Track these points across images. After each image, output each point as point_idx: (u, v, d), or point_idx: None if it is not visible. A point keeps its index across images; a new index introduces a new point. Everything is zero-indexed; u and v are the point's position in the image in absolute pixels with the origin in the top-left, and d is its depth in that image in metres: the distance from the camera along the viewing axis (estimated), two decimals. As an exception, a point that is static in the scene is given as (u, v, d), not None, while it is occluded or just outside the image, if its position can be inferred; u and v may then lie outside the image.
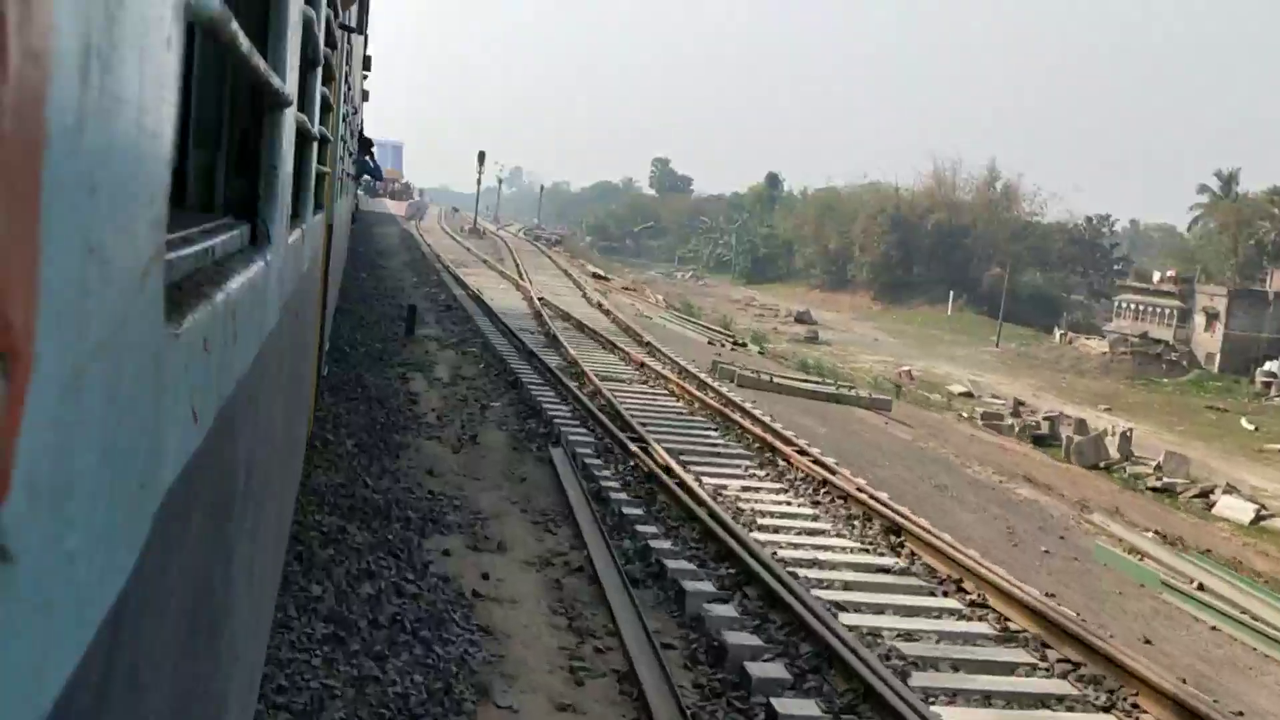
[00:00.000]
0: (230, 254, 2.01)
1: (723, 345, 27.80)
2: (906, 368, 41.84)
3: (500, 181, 64.10)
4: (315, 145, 4.29)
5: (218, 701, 1.98)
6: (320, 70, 4.32)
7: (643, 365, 18.07)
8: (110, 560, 0.91)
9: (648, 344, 21.33)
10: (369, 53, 18.29)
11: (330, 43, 5.22)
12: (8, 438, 0.61)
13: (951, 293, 66.28)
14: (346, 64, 8.75)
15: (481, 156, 60.71)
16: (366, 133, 27.22)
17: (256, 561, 2.72)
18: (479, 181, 63.12)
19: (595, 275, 40.92)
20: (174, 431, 1.22)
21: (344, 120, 9.94)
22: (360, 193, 45.92)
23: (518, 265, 39.61)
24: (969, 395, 38.37)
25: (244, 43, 1.68)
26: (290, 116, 2.72)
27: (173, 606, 1.30)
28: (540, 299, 26.24)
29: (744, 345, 28.77)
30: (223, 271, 1.75)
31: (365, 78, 18.54)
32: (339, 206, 10.63)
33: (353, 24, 9.47)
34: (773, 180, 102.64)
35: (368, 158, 28.26)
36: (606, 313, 27.33)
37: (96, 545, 0.85)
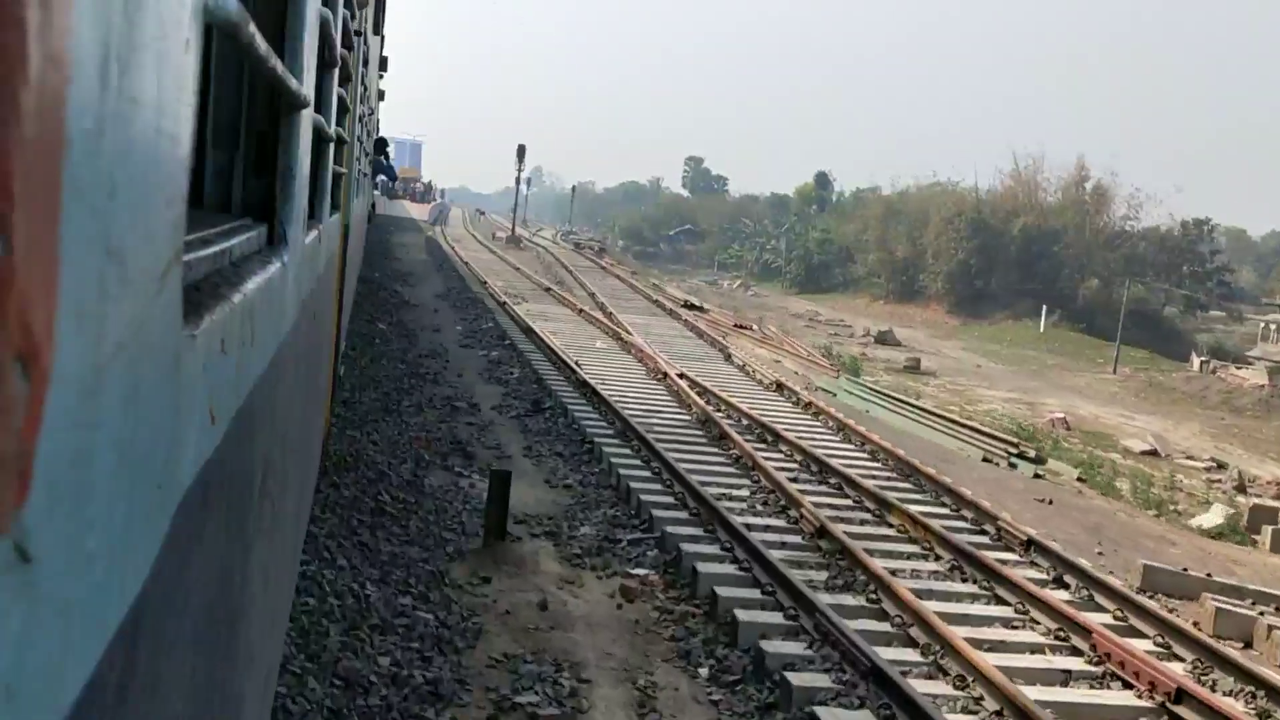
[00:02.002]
0: (248, 255, 2.02)
1: (999, 461, 15.34)
2: (1059, 414, 30.49)
3: (527, 183, 59.24)
4: (332, 146, 4.31)
5: (235, 702, 1.98)
6: (337, 72, 4.33)
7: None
8: (129, 561, 0.91)
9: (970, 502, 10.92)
10: (385, 54, 18.35)
11: (347, 44, 5.23)
12: (28, 439, 0.61)
13: (1045, 307, 58.01)
14: (363, 65, 8.77)
15: (521, 152, 53.08)
16: (383, 133, 27.08)
17: (273, 562, 2.73)
18: (519, 181, 56.05)
19: (688, 306, 30.87)
20: (192, 432, 1.23)
21: (360, 121, 9.97)
22: (376, 193, 43.36)
23: (592, 296, 29.18)
24: (1153, 453, 27.12)
25: (261, 45, 1.68)
26: (307, 118, 2.73)
27: (191, 607, 1.31)
28: (682, 375, 16.29)
29: (1038, 461, 15.42)
30: (240, 273, 1.76)
31: (381, 77, 18.59)
32: (355, 207, 10.67)
33: (369, 25, 9.50)
34: (822, 180, 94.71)
35: (382, 158, 27.83)
36: (780, 388, 17.15)
37: (115, 546, 0.85)
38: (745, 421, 13.75)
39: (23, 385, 0.60)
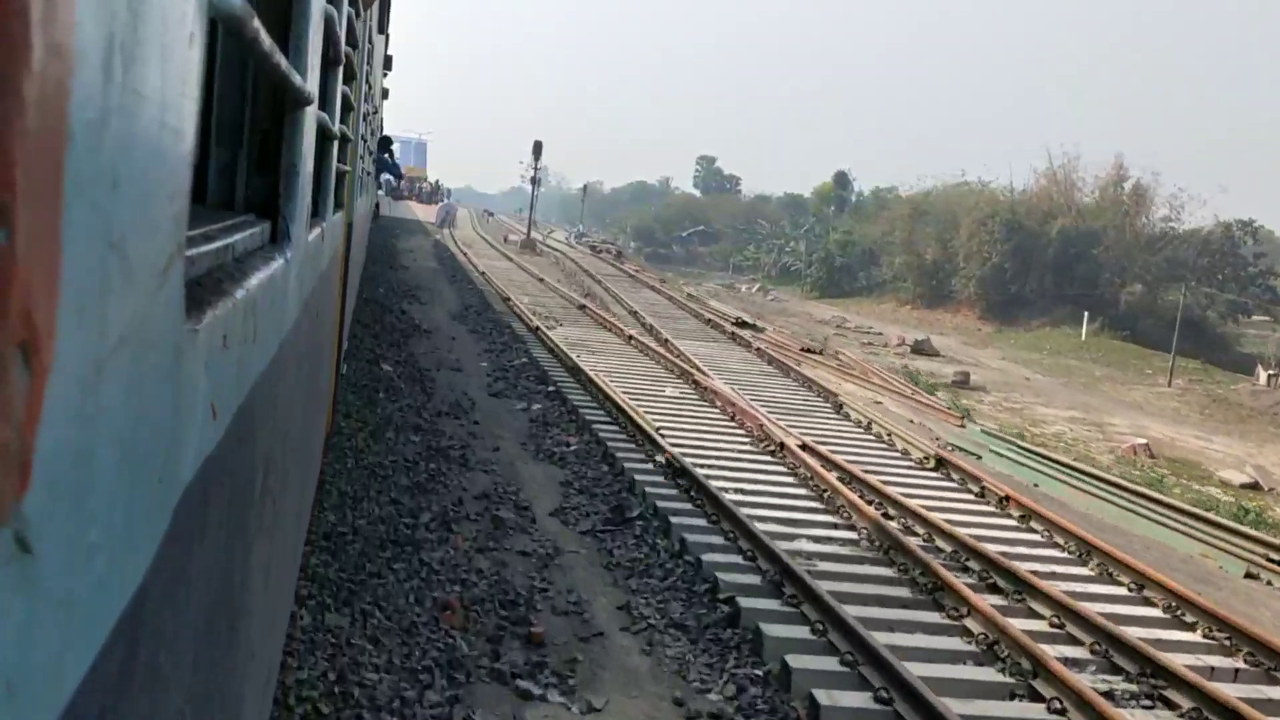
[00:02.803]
0: (250, 251, 2.02)
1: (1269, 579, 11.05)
2: (1139, 440, 26.93)
3: (536, 182, 56.63)
4: (336, 144, 4.31)
5: (235, 698, 1.98)
6: (341, 69, 4.33)
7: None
8: (129, 555, 0.91)
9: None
10: (389, 52, 18.35)
11: (351, 42, 5.24)
12: (29, 432, 0.61)
13: (1086, 314, 54.39)
14: (367, 63, 8.78)
15: (537, 149, 49.02)
16: (387, 131, 26.99)
17: (274, 559, 2.73)
18: (534, 181, 51.69)
19: (741, 324, 25.57)
20: (193, 427, 1.23)
21: (364, 119, 9.97)
22: (380, 192, 42.37)
23: (635, 315, 24.34)
24: (1254, 486, 23.92)
25: (266, 41, 1.68)
26: (311, 115, 2.73)
27: (191, 602, 1.31)
28: (805, 447, 11.73)
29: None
30: (243, 269, 1.76)
31: (385, 76, 18.59)
32: (359, 205, 10.68)
33: (374, 23, 9.51)
34: (842, 179, 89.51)
35: (387, 155, 27.58)
36: (942, 465, 12.28)
37: (116, 539, 0.85)
38: (951, 548, 8.88)
39: (24, 377, 0.60)
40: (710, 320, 25.40)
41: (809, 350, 23.98)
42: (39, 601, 0.65)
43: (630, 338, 19.64)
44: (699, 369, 16.57)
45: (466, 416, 12.06)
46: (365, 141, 11.26)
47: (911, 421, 15.90)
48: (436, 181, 75.34)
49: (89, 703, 0.78)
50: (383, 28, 13.44)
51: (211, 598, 1.52)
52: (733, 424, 13.15)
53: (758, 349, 20.75)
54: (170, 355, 1.05)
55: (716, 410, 13.91)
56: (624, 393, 13.68)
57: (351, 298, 11.25)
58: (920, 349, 39.63)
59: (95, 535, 0.78)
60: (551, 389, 14.04)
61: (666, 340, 20.13)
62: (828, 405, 15.73)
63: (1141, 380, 42.61)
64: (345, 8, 4.38)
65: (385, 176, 33.62)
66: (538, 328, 19.16)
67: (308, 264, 3.11)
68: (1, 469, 0.58)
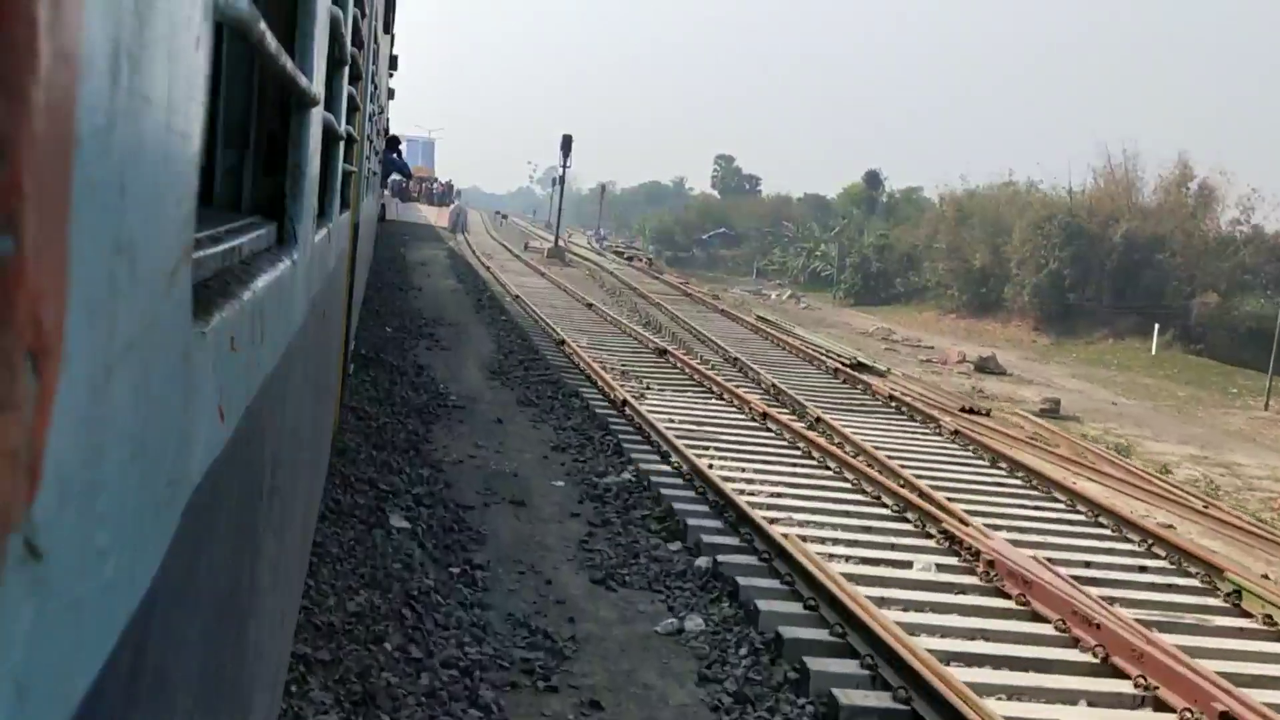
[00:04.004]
0: (257, 253, 2.03)
1: None
2: None
3: (554, 183, 52.34)
4: (342, 145, 4.31)
5: (244, 699, 1.99)
6: (347, 70, 4.34)
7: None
8: (139, 557, 0.91)
9: None
10: (395, 52, 18.36)
11: (357, 42, 5.24)
12: (38, 436, 0.61)
13: (1157, 326, 48.89)
14: (373, 63, 8.79)
15: (567, 144, 43.04)
16: (393, 131, 26.85)
17: (282, 560, 2.73)
18: (561, 181, 45.96)
19: (859, 365, 20.11)
20: (201, 430, 1.23)
21: (370, 119, 9.99)
22: (387, 192, 39.90)
23: (733, 361, 18.10)
24: None
25: (272, 43, 1.68)
26: (317, 116, 2.73)
27: (200, 604, 1.31)
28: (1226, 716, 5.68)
29: None
30: (250, 270, 1.76)
31: (391, 76, 18.59)
32: (365, 205, 10.69)
33: (380, 23, 9.52)
34: (872, 179, 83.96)
35: (395, 155, 27.26)
36: None
37: (125, 542, 0.85)
38: None
39: (33, 382, 0.60)
40: (812, 358, 20.10)
41: (970, 411, 17.16)
42: (49, 605, 0.66)
43: (766, 415, 13.00)
44: (929, 497, 9.73)
45: (564, 670, 5.70)
46: (371, 142, 11.28)
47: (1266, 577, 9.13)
48: (449, 181, 67.73)
49: (98, 706, 0.78)
50: (388, 27, 13.46)
51: (220, 599, 1.52)
52: (1056, 636, 7.01)
53: (924, 415, 15.01)
54: (179, 358, 1.06)
55: (1009, 603, 7.51)
56: (852, 581, 7.18)
57: (359, 297, 11.26)
58: (986, 367, 34.47)
59: (105, 538, 0.78)
60: (703, 563, 7.50)
61: (818, 418, 13.36)
62: (1130, 543, 9.55)
63: (1229, 402, 36.79)
64: (351, 8, 4.39)
65: (394, 177, 32.96)
66: (625, 401, 12.80)
67: (315, 265, 3.12)
68: (11, 474, 0.58)
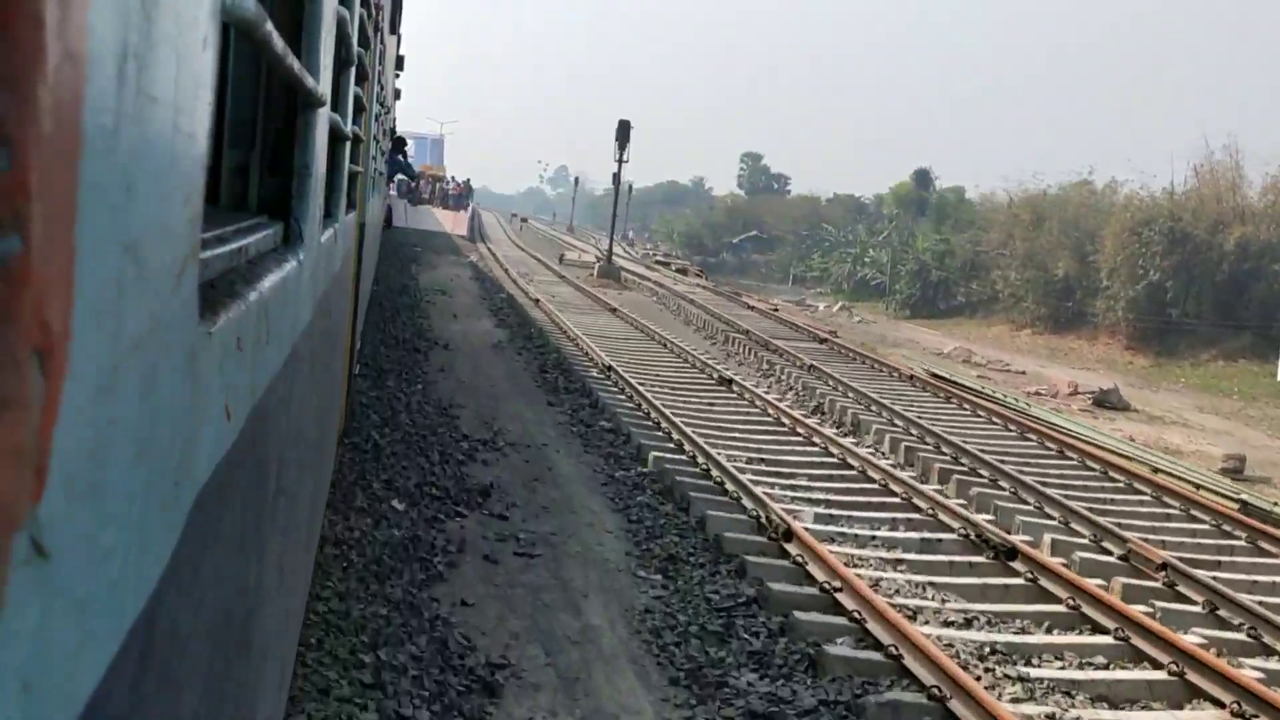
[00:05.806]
0: (263, 253, 2.03)
1: None
2: None
3: (575, 182, 46.92)
4: (348, 145, 4.32)
5: (249, 699, 1.99)
6: (353, 70, 4.34)
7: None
8: (145, 557, 0.91)
9: None
10: (401, 53, 18.36)
11: (363, 42, 5.25)
12: (45, 435, 0.61)
13: None
14: (379, 63, 8.80)
15: (623, 131, 34.99)
16: (399, 132, 26.72)
17: (288, 559, 2.74)
18: (616, 179, 36.81)
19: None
20: (208, 429, 1.23)
21: (376, 120, 10.00)
22: (393, 193, 35.83)
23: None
24: None
25: (278, 43, 1.69)
26: (324, 116, 2.74)
27: (206, 603, 1.31)
28: None
29: None
30: (256, 270, 1.76)
31: (397, 76, 18.59)
32: (371, 205, 10.70)
33: (386, 23, 9.53)
34: (922, 179, 75.68)
35: (400, 156, 26.91)
36: None
37: (131, 542, 0.85)
38: None
39: (40, 380, 0.60)
40: (1012, 418, 14.17)
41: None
42: (55, 603, 0.66)
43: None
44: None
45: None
46: (378, 142, 11.28)
47: None
48: (467, 181, 56.88)
49: (105, 704, 0.78)
50: (394, 28, 13.47)
51: (226, 598, 1.53)
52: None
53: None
54: (185, 358, 1.06)
55: None
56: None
57: (364, 298, 11.26)
58: (1106, 400, 27.82)
59: (111, 537, 0.78)
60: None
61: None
62: None
63: None
64: (357, 8, 4.39)
65: (399, 177, 32.16)
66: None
67: (321, 265, 3.12)
68: (18, 473, 0.58)
